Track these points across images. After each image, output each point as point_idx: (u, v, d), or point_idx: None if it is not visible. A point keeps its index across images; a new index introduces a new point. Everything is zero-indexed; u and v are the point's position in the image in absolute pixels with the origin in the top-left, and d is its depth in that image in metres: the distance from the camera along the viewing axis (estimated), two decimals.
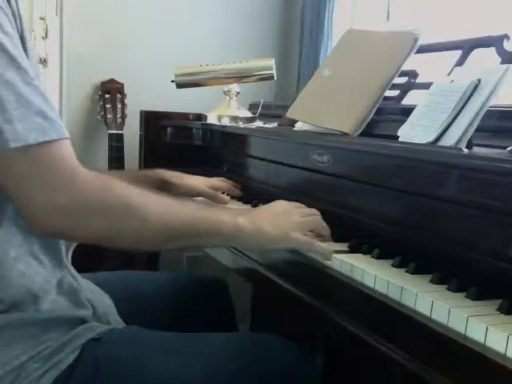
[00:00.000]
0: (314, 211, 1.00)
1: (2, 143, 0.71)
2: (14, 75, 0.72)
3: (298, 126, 1.45)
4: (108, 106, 2.12)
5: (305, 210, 0.99)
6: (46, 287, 0.84)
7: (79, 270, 0.96)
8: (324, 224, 0.98)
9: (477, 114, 0.94)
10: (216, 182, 1.39)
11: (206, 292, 1.21)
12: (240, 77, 1.80)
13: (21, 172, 0.73)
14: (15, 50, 0.73)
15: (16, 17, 0.76)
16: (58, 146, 0.75)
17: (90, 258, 1.71)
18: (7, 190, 0.75)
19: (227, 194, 1.40)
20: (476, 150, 0.95)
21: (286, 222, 0.93)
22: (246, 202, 1.34)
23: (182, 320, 1.11)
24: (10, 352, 0.78)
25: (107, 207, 0.78)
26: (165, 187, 1.25)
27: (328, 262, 0.92)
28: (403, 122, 1.08)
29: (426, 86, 1.15)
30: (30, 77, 0.74)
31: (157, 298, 1.14)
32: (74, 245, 1.89)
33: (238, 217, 0.90)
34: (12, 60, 0.72)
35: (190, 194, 1.29)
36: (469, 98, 0.96)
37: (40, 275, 0.83)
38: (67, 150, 0.76)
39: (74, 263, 0.95)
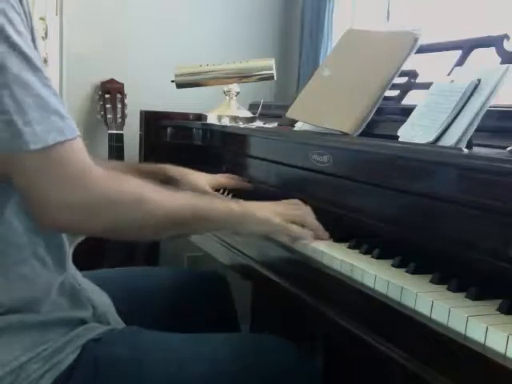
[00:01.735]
0: (302, 207, 1.04)
1: (22, 145, 0.71)
2: (31, 76, 0.72)
3: (298, 126, 1.45)
4: (108, 105, 2.12)
5: (291, 202, 1.05)
6: (47, 289, 0.84)
7: (79, 268, 0.96)
8: (310, 218, 1.01)
9: (477, 114, 0.94)
10: (221, 178, 1.40)
11: (207, 287, 1.21)
12: (240, 77, 1.80)
13: (37, 171, 0.74)
14: (29, 50, 0.73)
15: (27, 16, 0.76)
16: (72, 145, 0.76)
17: (90, 256, 1.71)
18: (19, 188, 0.76)
19: (232, 191, 1.40)
20: (476, 149, 0.95)
21: (271, 210, 0.99)
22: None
23: (183, 317, 1.11)
24: (10, 353, 0.78)
25: (117, 203, 0.81)
26: (169, 183, 1.25)
27: (325, 261, 0.92)
28: (403, 122, 1.08)
29: (426, 85, 1.15)
30: (44, 77, 0.74)
31: (157, 294, 1.14)
32: (75, 243, 1.89)
33: (230, 203, 0.98)
34: (27, 60, 0.72)
35: (193, 191, 1.28)
36: (469, 98, 0.96)
37: (42, 278, 0.83)
38: (80, 148, 0.78)
39: (74, 261, 0.95)
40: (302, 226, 1.00)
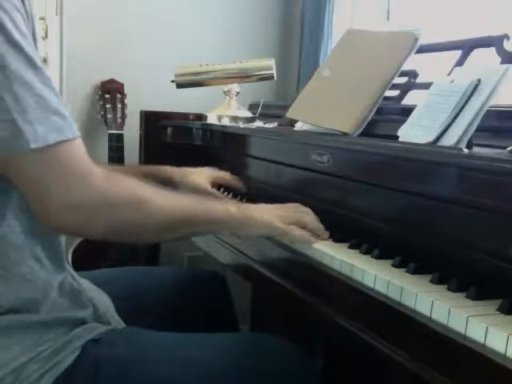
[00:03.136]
0: (302, 208, 1.05)
1: (23, 144, 0.72)
2: (33, 76, 0.73)
3: (298, 126, 1.45)
4: (108, 106, 2.12)
5: (291, 206, 1.05)
6: (46, 290, 0.84)
7: (79, 269, 0.96)
8: (310, 219, 1.02)
9: (477, 114, 0.94)
10: (221, 174, 1.40)
11: (207, 287, 1.21)
12: (240, 77, 1.80)
13: (38, 171, 0.74)
14: (30, 49, 0.74)
15: (29, 17, 0.77)
16: (73, 145, 0.76)
17: (90, 256, 1.71)
18: (20, 188, 0.76)
19: (229, 191, 1.40)
20: (476, 150, 0.95)
21: (271, 213, 1.00)
22: (246, 202, 1.34)
23: (183, 317, 1.11)
24: (10, 353, 0.78)
25: (119, 204, 0.81)
26: (168, 184, 1.25)
27: (325, 261, 0.92)
28: (403, 122, 1.08)
29: (426, 85, 1.15)
30: (46, 77, 0.75)
31: (157, 294, 1.14)
32: (74, 245, 1.89)
33: (229, 206, 0.97)
34: (29, 61, 0.73)
35: (193, 192, 1.29)
36: (469, 98, 0.96)
37: (41, 278, 0.83)
38: (81, 149, 0.78)
39: (74, 263, 0.95)
40: (303, 227, 1.00)
